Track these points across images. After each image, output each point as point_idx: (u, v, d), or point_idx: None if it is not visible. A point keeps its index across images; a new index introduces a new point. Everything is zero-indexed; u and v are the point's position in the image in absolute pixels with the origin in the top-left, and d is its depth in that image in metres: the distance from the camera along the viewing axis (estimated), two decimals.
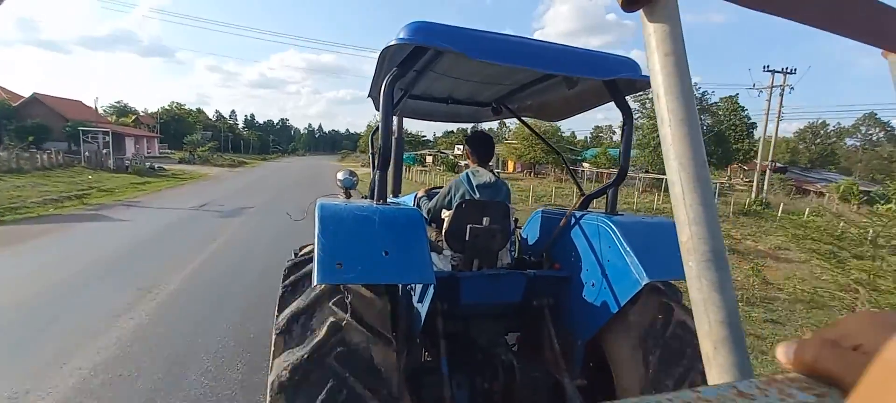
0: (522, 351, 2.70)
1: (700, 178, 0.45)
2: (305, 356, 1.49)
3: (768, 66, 22.12)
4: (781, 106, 22.93)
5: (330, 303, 1.63)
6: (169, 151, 52.37)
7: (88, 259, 6.55)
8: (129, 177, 21.60)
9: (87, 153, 24.69)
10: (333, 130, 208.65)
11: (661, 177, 23.19)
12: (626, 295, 1.96)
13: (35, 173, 18.90)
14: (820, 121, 62.52)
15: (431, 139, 71.18)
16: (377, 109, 2.29)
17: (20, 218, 9.73)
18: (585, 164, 39.47)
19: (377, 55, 2.08)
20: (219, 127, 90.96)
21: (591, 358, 2.34)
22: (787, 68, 22.04)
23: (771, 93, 22.63)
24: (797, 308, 6.70)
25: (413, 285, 1.99)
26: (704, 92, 31.17)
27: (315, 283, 1.48)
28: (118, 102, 62.55)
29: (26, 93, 38.13)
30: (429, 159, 51.12)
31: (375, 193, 2.00)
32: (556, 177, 33.29)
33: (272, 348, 1.61)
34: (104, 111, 56.95)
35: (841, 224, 8.00)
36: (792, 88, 22.41)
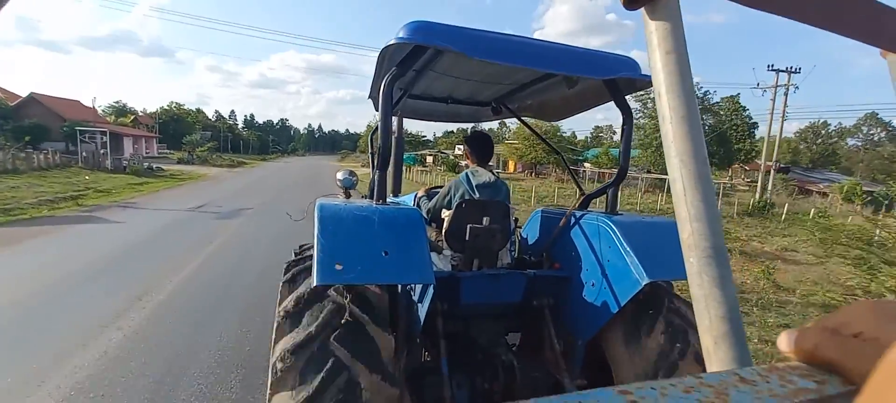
0: (522, 351, 2.68)
1: (701, 175, 0.46)
2: (306, 337, 1.51)
3: (773, 65, 21.97)
4: (786, 105, 22.75)
5: (331, 290, 1.64)
6: (168, 151, 52.22)
7: (79, 263, 6.32)
8: (126, 177, 21.39)
9: (84, 153, 24.48)
10: (333, 130, 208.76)
11: (663, 177, 23.01)
12: (626, 294, 1.95)
13: (31, 174, 18.71)
14: (821, 120, 62.47)
15: (431, 139, 70.95)
16: (377, 109, 2.27)
17: (12, 220, 9.52)
18: (587, 164, 39.28)
19: (377, 55, 2.06)
20: (218, 127, 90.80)
21: (591, 358, 2.32)
22: (791, 67, 21.85)
23: (775, 93, 22.43)
24: (810, 311, 6.51)
25: (413, 285, 1.97)
26: (706, 91, 30.95)
27: (314, 283, 1.48)
28: (117, 102, 62.36)
29: (24, 93, 37.93)
30: (429, 159, 50.97)
31: (375, 193, 1.98)
32: (557, 177, 33.10)
33: (274, 333, 1.62)
34: (103, 111, 56.76)
35: (877, 230, 7.75)
36: (797, 87, 22.22)
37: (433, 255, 2.35)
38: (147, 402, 3.14)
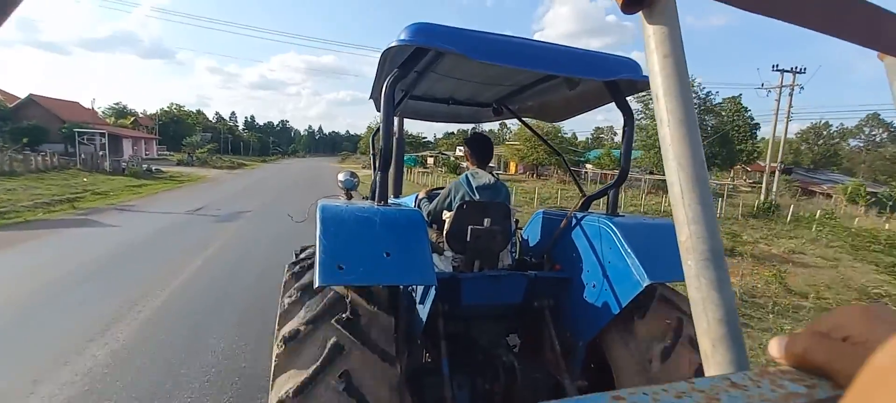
0: (523, 352, 2.67)
1: (699, 178, 0.46)
2: (308, 377, 1.46)
3: (778, 66, 21.79)
4: (791, 106, 22.55)
5: (332, 321, 1.59)
6: (167, 153, 52.03)
7: (70, 269, 6.08)
8: (125, 179, 21.19)
9: (82, 155, 24.29)
10: (333, 132, 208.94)
11: (665, 178, 22.77)
12: (627, 296, 1.95)
13: (29, 176, 18.50)
14: (823, 121, 62.26)
15: (432, 140, 70.80)
16: (378, 111, 2.25)
17: (6, 223, 9.31)
18: (588, 166, 39.08)
19: (377, 56, 2.06)
20: (219, 128, 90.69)
21: (591, 360, 2.34)
22: (796, 67, 21.65)
23: (780, 93, 22.23)
24: None
25: (414, 286, 1.97)
26: (708, 92, 30.74)
27: (317, 285, 1.47)
28: (117, 104, 62.19)
29: (23, 95, 37.76)
30: (430, 160, 50.77)
31: (376, 194, 1.99)
32: (558, 178, 32.91)
33: (273, 363, 1.57)
34: (103, 113, 56.66)
35: None
36: (802, 88, 22.02)
37: (434, 256, 2.32)
38: None
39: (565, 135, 40.37)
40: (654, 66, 0.47)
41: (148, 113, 70.93)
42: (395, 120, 3.08)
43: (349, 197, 3.19)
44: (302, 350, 1.55)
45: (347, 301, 1.65)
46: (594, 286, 2.19)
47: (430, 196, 3.10)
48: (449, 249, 2.45)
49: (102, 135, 27.44)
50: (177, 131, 63.94)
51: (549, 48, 2.03)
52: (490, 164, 2.89)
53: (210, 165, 38.95)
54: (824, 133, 63.12)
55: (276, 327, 1.71)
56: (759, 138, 34.19)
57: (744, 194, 30.30)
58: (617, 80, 2.14)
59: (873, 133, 66.36)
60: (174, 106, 77.39)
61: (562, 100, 2.88)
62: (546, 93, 2.82)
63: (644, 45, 0.48)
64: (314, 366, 1.48)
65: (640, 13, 0.48)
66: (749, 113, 32.43)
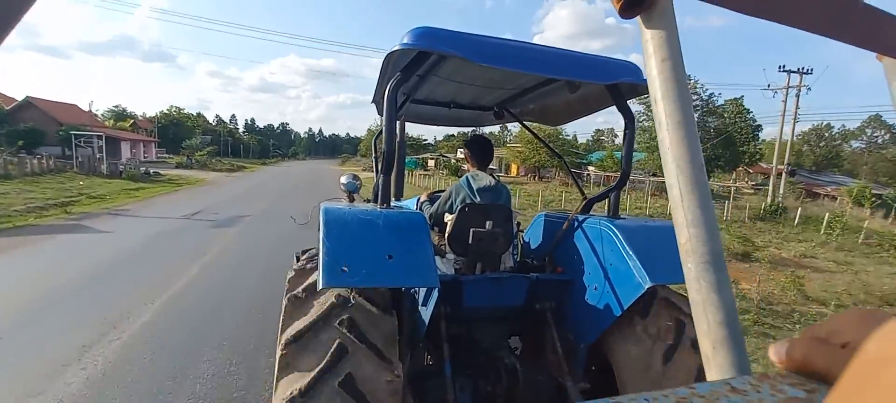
0: (525, 355, 2.67)
1: (698, 181, 0.46)
2: (311, 381, 1.47)
3: (784, 66, 21.50)
4: (798, 107, 22.23)
5: (335, 323, 1.59)
6: (166, 156, 51.76)
7: (53, 281, 5.69)
8: (122, 182, 20.90)
9: (79, 158, 23.98)
10: (334, 134, 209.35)
11: None
12: (628, 298, 1.96)
13: (24, 179, 18.23)
14: (824, 123, 62.06)
15: (432, 143, 70.56)
16: (381, 114, 2.26)
17: None
18: (590, 168, 38.80)
19: (378, 58, 2.00)
20: (219, 131, 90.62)
21: (593, 362, 2.33)
22: (803, 68, 21.37)
23: (787, 94, 21.94)
24: None
25: (417, 288, 1.98)
26: (711, 94, 30.44)
27: (320, 287, 1.48)
28: (116, 107, 62.11)
29: (22, 98, 37.47)
30: (431, 163, 50.51)
31: (379, 197, 2.01)
32: (561, 180, 32.61)
33: (277, 366, 1.57)
34: (102, 116, 56.48)
35: None
36: (809, 89, 21.72)
37: (436, 259, 2.29)
38: None
39: (567, 138, 40.01)
40: (653, 69, 0.47)
41: (147, 116, 70.69)
42: (397, 123, 3.07)
43: (351, 199, 3.20)
44: (305, 352, 1.55)
45: (350, 304, 1.64)
46: (596, 288, 2.19)
47: (432, 199, 3.11)
48: (451, 252, 2.45)
49: (100, 137, 27.17)
50: (176, 134, 63.78)
51: (550, 52, 2.03)
52: (491, 166, 2.89)
53: (209, 168, 38.64)
54: (826, 135, 62.90)
55: (279, 329, 1.69)
56: (760, 140, 33.89)
57: (747, 196, 29.99)
58: (618, 84, 2.14)
59: (875, 135, 66.18)
60: (174, 109, 77.28)
61: (563, 104, 2.86)
62: (547, 97, 2.81)
63: (642, 49, 0.48)
64: (318, 368, 1.48)
65: (639, 18, 0.48)
66: (751, 114, 32.17)
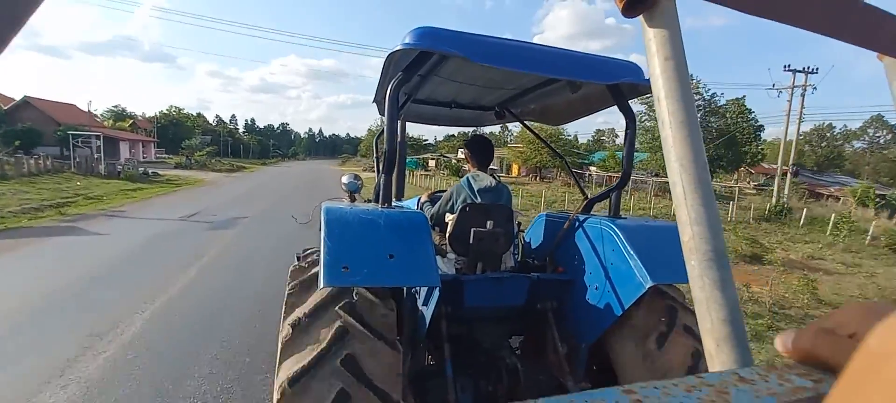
0: (526, 355, 2.67)
1: (701, 179, 0.46)
2: (312, 360, 1.49)
3: (789, 66, 21.29)
4: (803, 107, 22.01)
5: (336, 308, 1.62)
6: (165, 156, 51.56)
7: (39, 288, 5.40)
8: (120, 183, 20.68)
9: (77, 158, 23.76)
10: (334, 134, 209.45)
11: None
12: (629, 298, 1.96)
13: (20, 179, 18.01)
14: (826, 123, 61.88)
15: (433, 143, 70.41)
16: (382, 114, 2.25)
17: None
18: (592, 168, 38.60)
19: (379, 58, 1.88)
20: (218, 131, 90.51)
21: (594, 362, 2.35)
22: (808, 67, 21.16)
23: (792, 94, 21.72)
24: None
25: (418, 288, 1.99)
26: (713, 93, 30.25)
27: (321, 286, 1.49)
28: (115, 107, 61.93)
29: (20, 97, 37.25)
30: (431, 163, 50.32)
31: (380, 197, 2.02)
32: (563, 180, 32.40)
33: (279, 350, 1.60)
34: (101, 116, 56.31)
35: None
36: (815, 88, 21.51)
37: (437, 259, 2.30)
38: None
39: (568, 138, 39.80)
40: (656, 68, 0.47)
41: (147, 116, 70.53)
42: (398, 123, 2.91)
43: (353, 199, 3.22)
44: (307, 335, 1.58)
45: (353, 303, 1.65)
46: (597, 288, 2.19)
47: (433, 199, 3.11)
48: (452, 251, 2.45)
49: (98, 137, 26.97)
50: (176, 134, 63.62)
51: (551, 52, 2.03)
52: (492, 166, 2.88)
53: (209, 168, 38.40)
54: (828, 135, 62.73)
55: (282, 317, 1.72)
56: (762, 139, 33.69)
57: (750, 197, 29.80)
58: (619, 84, 2.15)
59: (877, 135, 66.00)
60: (174, 109, 77.11)
61: (564, 104, 2.86)
62: (548, 97, 2.80)
63: (645, 48, 0.48)
64: (319, 349, 1.51)
65: (641, 17, 0.48)
66: (753, 114, 31.98)
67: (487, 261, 2.39)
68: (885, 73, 0.60)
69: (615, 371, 2.15)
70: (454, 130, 50.55)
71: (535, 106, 3.10)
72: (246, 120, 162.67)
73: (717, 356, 0.44)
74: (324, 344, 1.52)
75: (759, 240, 11.74)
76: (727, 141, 29.20)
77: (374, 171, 3.12)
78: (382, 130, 2.04)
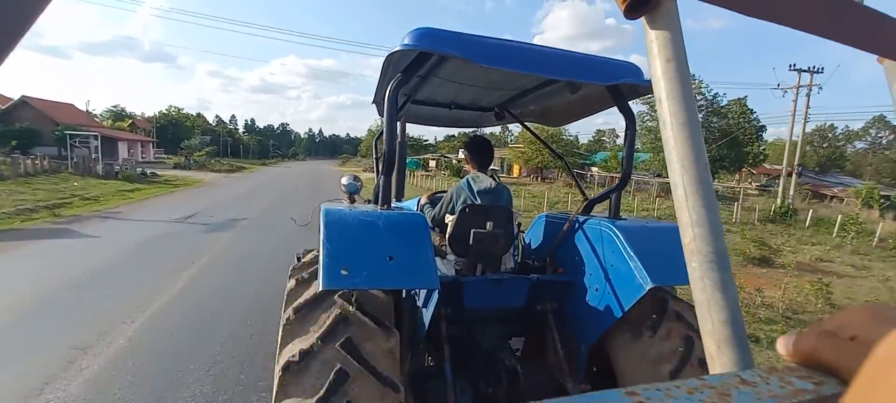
0: (526, 356, 2.66)
1: (702, 181, 0.47)
2: (313, 343, 1.53)
3: (794, 65, 21.05)
4: (808, 106, 21.78)
5: (335, 296, 1.65)
6: (164, 156, 51.34)
7: (23, 296, 5.17)
8: (117, 183, 20.46)
9: (75, 158, 23.54)
10: (334, 135, 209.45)
11: None
12: (630, 299, 1.95)
13: (17, 180, 17.78)
14: (828, 124, 61.67)
15: (433, 143, 70.20)
16: (381, 115, 2.24)
17: None
18: (594, 169, 38.39)
19: (378, 58, 1.80)
20: (218, 131, 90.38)
21: (594, 363, 2.34)
22: (814, 67, 20.94)
23: (797, 93, 21.50)
24: None
25: (417, 289, 1.99)
26: (715, 94, 30.06)
27: (320, 289, 1.50)
28: (115, 107, 61.75)
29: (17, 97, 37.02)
30: (432, 164, 50.13)
31: (380, 198, 2.01)
32: (564, 181, 32.18)
33: (280, 337, 1.63)
34: (101, 116, 56.13)
35: None
36: (820, 88, 21.28)
37: (437, 260, 2.33)
38: None
39: (569, 138, 39.59)
40: (657, 70, 0.48)
41: (146, 116, 70.35)
42: (398, 124, 3.03)
43: (352, 200, 3.21)
44: (305, 374, 1.53)
45: (351, 306, 1.65)
46: (597, 289, 2.18)
47: (433, 200, 3.10)
48: (451, 253, 2.44)
49: (96, 137, 26.75)
50: (175, 134, 63.49)
51: (550, 53, 2.03)
52: (493, 167, 2.87)
53: (208, 169, 38.16)
54: (829, 135, 62.53)
55: (279, 342, 1.69)
56: (763, 140, 33.51)
57: (752, 198, 29.59)
58: (618, 84, 2.15)
59: (880, 135, 65.82)
60: (173, 109, 76.94)
61: (564, 104, 2.85)
62: (548, 97, 2.80)
63: (646, 50, 0.48)
64: (317, 396, 1.47)
65: (643, 19, 0.48)
66: (755, 115, 31.79)
67: (487, 263, 2.38)
68: (885, 76, 0.59)
69: (615, 373, 2.14)
70: (454, 131, 50.42)
71: (534, 107, 3.08)
72: (246, 120, 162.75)
73: (718, 357, 0.44)
74: (324, 328, 1.55)
75: (767, 242, 11.51)
76: (730, 141, 29.01)
77: (373, 172, 3.08)
78: (382, 131, 2.02)
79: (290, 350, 1.57)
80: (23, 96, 36.50)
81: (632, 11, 0.47)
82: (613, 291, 2.06)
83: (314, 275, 1.82)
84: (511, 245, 2.56)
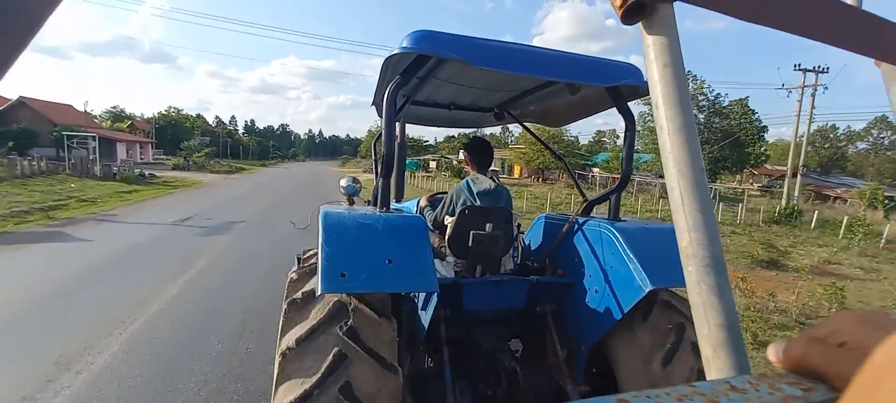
0: (525, 358, 2.65)
1: (698, 185, 0.47)
2: (311, 387, 1.49)
3: (799, 65, 20.88)
4: (813, 106, 21.58)
5: (335, 328, 1.59)
6: (163, 157, 51.15)
7: (8, 303, 4.95)
8: (115, 184, 20.26)
9: (72, 160, 23.33)
10: (334, 135, 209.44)
11: None
12: (629, 301, 1.96)
13: (13, 181, 17.61)
14: (829, 124, 61.54)
15: (433, 144, 70.05)
16: (380, 116, 2.21)
17: None
18: (595, 170, 38.20)
19: (378, 58, 1.76)
20: (218, 132, 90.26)
21: (594, 365, 2.35)
22: (819, 67, 20.76)
23: (802, 94, 21.30)
24: None
25: (417, 292, 2.00)
26: (718, 94, 29.85)
27: (319, 293, 1.51)
28: (114, 107, 61.64)
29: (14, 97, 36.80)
30: (433, 164, 49.96)
31: (379, 200, 2.02)
32: (566, 182, 31.97)
33: (277, 370, 1.58)
34: (99, 116, 55.98)
35: None
36: (826, 88, 21.09)
37: (436, 262, 2.36)
38: None
39: (570, 139, 39.37)
40: (654, 75, 0.48)
41: (146, 117, 70.19)
42: (397, 125, 3.06)
43: (351, 202, 3.17)
44: (304, 359, 1.55)
45: (350, 308, 1.64)
46: (596, 291, 2.18)
47: (432, 202, 3.10)
48: (451, 254, 2.45)
49: (94, 138, 26.55)
50: (174, 135, 63.36)
51: (550, 54, 2.03)
52: (493, 168, 2.87)
53: (207, 170, 37.96)
54: (831, 136, 62.38)
55: (279, 334, 1.70)
56: (765, 141, 33.30)
57: (755, 199, 29.38)
58: (618, 86, 2.14)
59: (881, 136, 65.70)
60: (172, 109, 76.79)
61: (563, 105, 2.85)
62: (548, 98, 2.79)
63: (643, 55, 0.49)
64: (317, 377, 1.49)
65: (640, 24, 0.48)
66: (756, 115, 31.60)
67: (487, 264, 2.39)
68: (883, 79, 0.60)
69: (614, 375, 2.15)
70: (454, 131, 50.29)
71: (534, 107, 3.08)
72: (246, 121, 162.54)
73: (714, 361, 0.44)
74: (321, 373, 1.50)
75: (775, 245, 11.31)
76: (732, 142, 28.83)
77: (373, 173, 3.01)
78: (381, 133, 2.01)
79: (288, 341, 1.58)
80: (20, 97, 36.32)
81: (629, 17, 0.48)
82: (613, 293, 2.06)
83: (308, 303, 1.77)
84: (510, 246, 2.57)
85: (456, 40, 1.83)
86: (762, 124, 31.62)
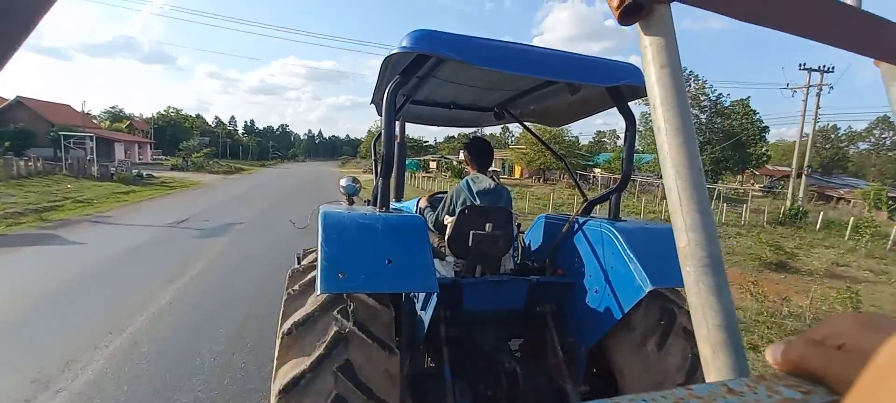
0: (525, 358, 2.63)
1: (696, 185, 0.47)
2: (309, 367, 1.50)
3: (804, 65, 20.72)
4: (818, 106, 21.40)
5: (334, 312, 1.61)
6: (162, 157, 50.92)
7: None
8: (112, 185, 20.11)
9: (69, 160, 23.13)
10: (334, 136, 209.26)
11: None
12: (629, 301, 1.96)
13: (9, 182, 17.45)
14: (831, 124, 61.40)
15: (433, 144, 69.86)
16: (380, 115, 2.20)
17: None
18: (597, 170, 38.01)
19: (377, 58, 1.74)
20: (217, 133, 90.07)
21: (594, 365, 2.35)
22: (824, 66, 20.57)
23: (807, 93, 21.13)
24: None
25: (416, 292, 2.01)
26: (719, 94, 29.71)
27: (318, 293, 1.52)
28: (113, 108, 61.42)
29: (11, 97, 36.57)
30: (433, 164, 49.77)
31: (378, 200, 2.02)
32: (567, 182, 31.79)
33: (276, 354, 1.61)
34: (98, 117, 55.77)
35: None
36: (831, 88, 20.92)
37: (436, 262, 2.35)
38: None
39: (571, 139, 39.18)
40: (652, 76, 0.48)
41: (145, 117, 69.97)
42: (397, 125, 3.05)
43: (351, 202, 3.17)
44: (304, 340, 1.58)
45: (350, 308, 1.63)
46: (596, 291, 2.18)
47: (432, 201, 3.09)
48: (451, 254, 2.45)
49: (91, 138, 26.36)
50: (173, 135, 63.17)
51: (550, 54, 2.04)
52: (494, 169, 2.88)
53: (206, 170, 37.78)
54: (832, 136, 62.26)
55: (280, 322, 1.72)
56: (767, 141, 33.17)
57: (757, 199, 29.20)
58: (618, 86, 2.15)
59: (883, 136, 65.57)
60: (172, 109, 76.57)
61: (563, 105, 2.85)
62: (548, 98, 2.80)
63: (641, 56, 0.49)
64: (316, 355, 1.50)
65: (637, 25, 0.49)
66: (758, 115, 31.45)
67: (486, 264, 2.39)
68: (882, 79, 0.59)
69: (614, 375, 2.15)
70: (455, 131, 50.12)
71: (534, 107, 3.08)
72: (245, 121, 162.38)
73: (713, 362, 0.44)
74: (321, 351, 1.52)
75: (782, 247, 11.11)
76: (734, 143, 28.67)
77: (372, 173, 3.00)
78: (381, 132, 2.02)
79: (286, 373, 1.55)
80: (18, 97, 36.13)
81: (626, 18, 0.48)
82: (613, 293, 2.06)
83: (309, 291, 1.78)
84: (510, 246, 2.57)
85: (455, 40, 1.82)
86: (764, 124, 31.50)
